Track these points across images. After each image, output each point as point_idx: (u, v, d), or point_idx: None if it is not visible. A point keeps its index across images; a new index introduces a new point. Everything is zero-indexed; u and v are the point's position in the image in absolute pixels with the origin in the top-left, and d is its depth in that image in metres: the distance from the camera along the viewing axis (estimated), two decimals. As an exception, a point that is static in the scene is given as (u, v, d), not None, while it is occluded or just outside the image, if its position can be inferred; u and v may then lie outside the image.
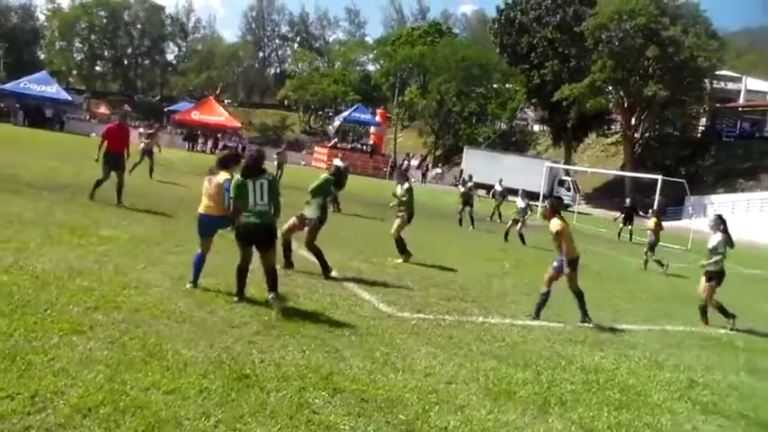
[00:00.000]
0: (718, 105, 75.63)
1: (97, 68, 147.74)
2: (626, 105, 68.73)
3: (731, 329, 13.17)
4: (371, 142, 76.51)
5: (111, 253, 11.19)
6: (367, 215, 24.99)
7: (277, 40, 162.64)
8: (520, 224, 24.81)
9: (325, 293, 10.85)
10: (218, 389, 6.22)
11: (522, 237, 24.33)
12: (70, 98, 73.37)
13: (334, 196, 18.33)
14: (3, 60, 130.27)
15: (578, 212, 44.67)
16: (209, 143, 68.42)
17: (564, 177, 63.52)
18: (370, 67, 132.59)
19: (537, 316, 11.52)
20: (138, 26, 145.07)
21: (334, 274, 12.34)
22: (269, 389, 6.43)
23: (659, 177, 36.72)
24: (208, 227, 10.09)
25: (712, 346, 11.52)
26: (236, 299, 9.48)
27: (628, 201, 34.95)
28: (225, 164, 10.18)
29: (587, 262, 21.53)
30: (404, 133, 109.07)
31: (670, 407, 7.91)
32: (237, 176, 9.50)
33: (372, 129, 77.82)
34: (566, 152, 79.13)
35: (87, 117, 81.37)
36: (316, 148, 77.80)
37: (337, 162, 22.69)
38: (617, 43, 63.48)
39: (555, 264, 11.66)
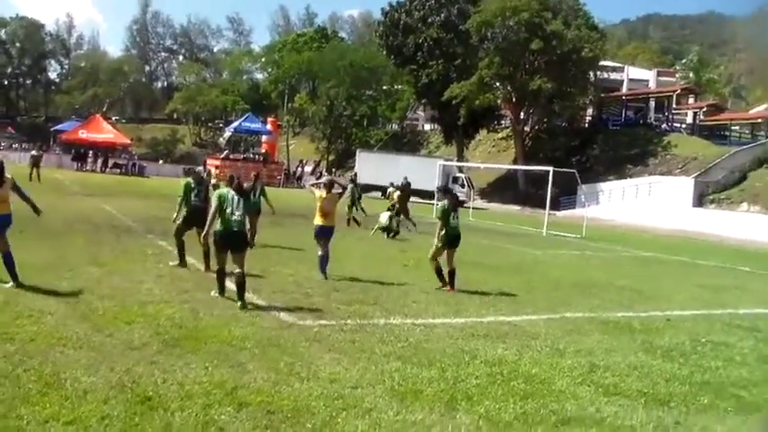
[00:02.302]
0: (603, 95, 77.83)
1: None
2: (514, 100, 69.91)
3: (439, 288, 14.25)
4: (264, 151, 76.15)
5: None
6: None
7: (163, 53, 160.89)
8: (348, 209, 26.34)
9: (225, 307, 10.73)
10: (120, 414, 6.06)
11: (355, 220, 25.67)
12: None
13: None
14: None
15: (474, 208, 45.16)
16: (99, 161, 66.94)
17: (458, 174, 63.97)
18: (259, 76, 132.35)
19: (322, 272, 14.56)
20: (17, 44, 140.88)
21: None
22: (173, 409, 6.30)
23: (550, 169, 37.42)
24: None
25: (611, 330, 11.77)
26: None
27: (404, 179, 34.99)
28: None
29: (484, 256, 21.90)
30: (296, 140, 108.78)
31: (573, 392, 8.04)
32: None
33: (264, 137, 77.40)
34: (458, 149, 79.85)
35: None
36: (207, 161, 76.80)
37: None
38: (501, 39, 64.61)
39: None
